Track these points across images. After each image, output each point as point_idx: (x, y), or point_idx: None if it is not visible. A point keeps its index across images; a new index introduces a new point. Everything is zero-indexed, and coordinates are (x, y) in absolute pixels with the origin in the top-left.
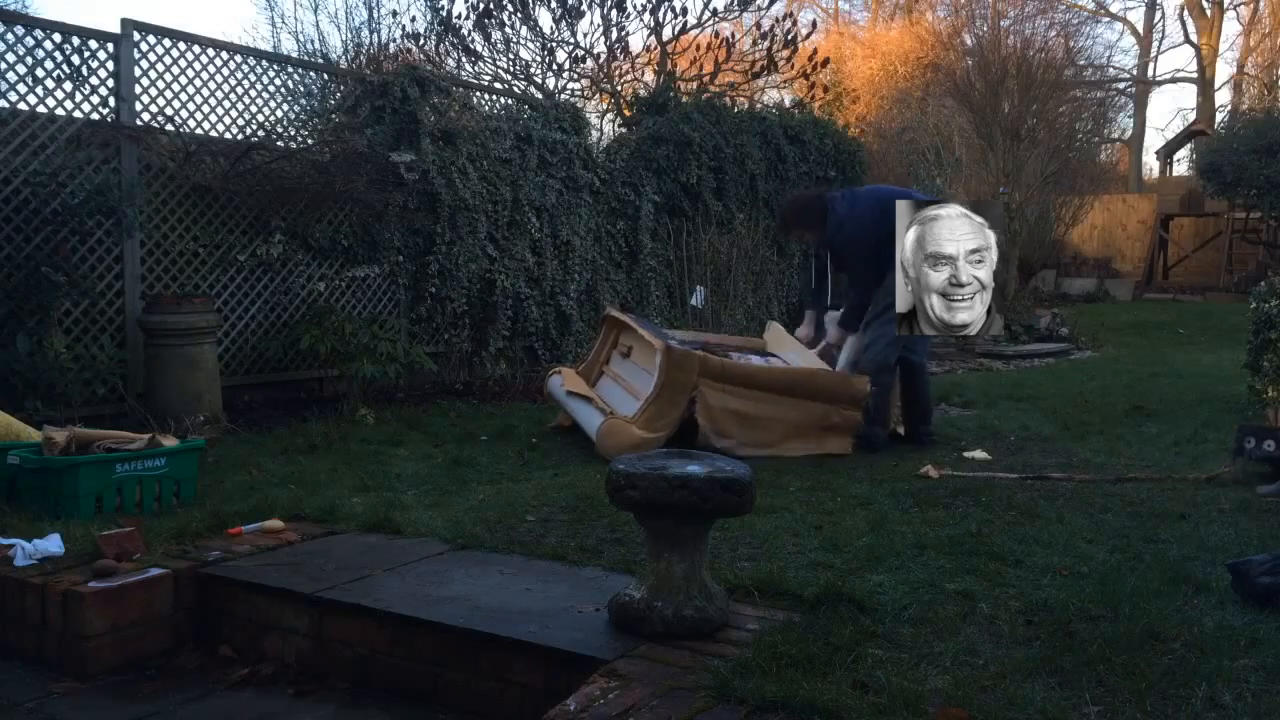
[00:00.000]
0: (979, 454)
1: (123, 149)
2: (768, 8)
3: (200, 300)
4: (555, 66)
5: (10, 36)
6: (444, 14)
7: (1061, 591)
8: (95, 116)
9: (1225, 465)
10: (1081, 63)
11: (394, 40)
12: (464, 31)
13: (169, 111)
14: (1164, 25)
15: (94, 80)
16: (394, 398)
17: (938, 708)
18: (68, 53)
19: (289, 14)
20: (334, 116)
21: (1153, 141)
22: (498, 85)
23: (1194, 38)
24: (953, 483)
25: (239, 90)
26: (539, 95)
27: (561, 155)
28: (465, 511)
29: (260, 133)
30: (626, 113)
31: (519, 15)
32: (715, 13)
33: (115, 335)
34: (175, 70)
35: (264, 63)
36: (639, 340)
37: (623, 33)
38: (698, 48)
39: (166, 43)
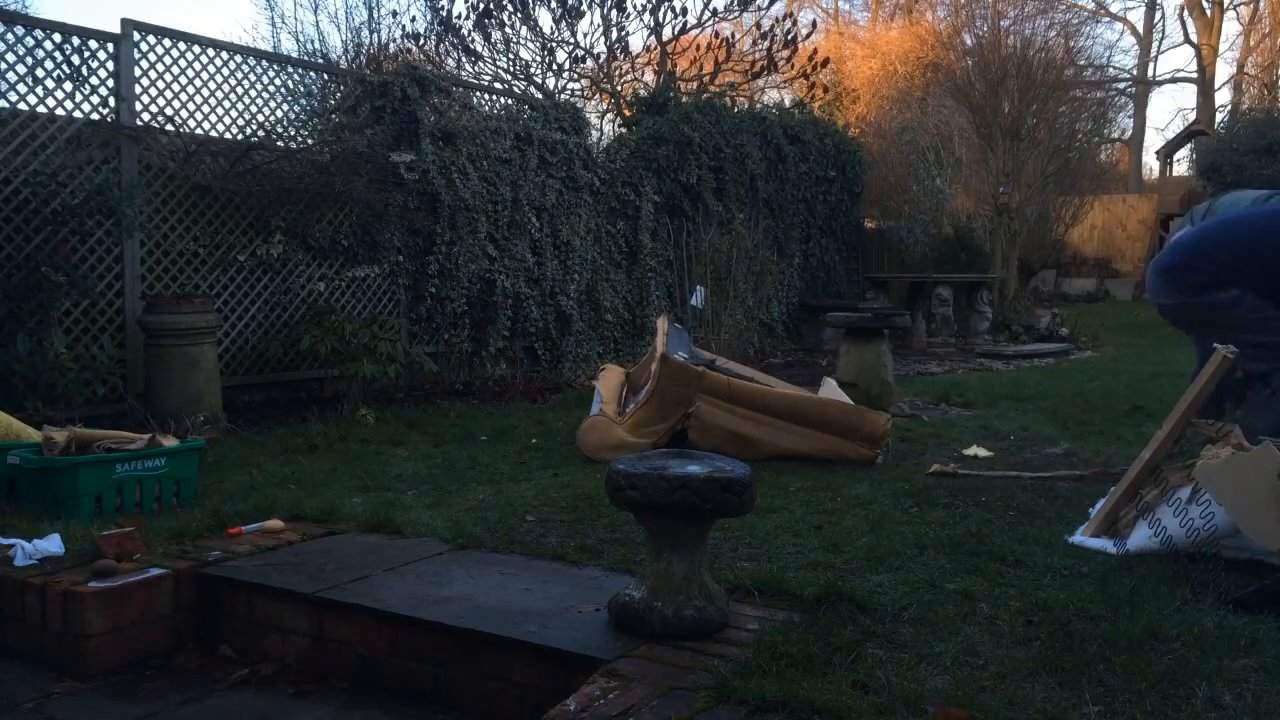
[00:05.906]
0: (979, 453)
1: (122, 149)
2: (768, 8)
3: (200, 300)
4: (555, 66)
5: (10, 36)
6: (444, 14)
7: (1061, 591)
8: (95, 117)
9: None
10: (1081, 63)
11: (394, 40)
12: (464, 31)
13: (169, 111)
14: (1164, 25)
15: (94, 80)
16: (394, 398)
17: (938, 708)
18: (68, 53)
19: (289, 14)
20: (334, 116)
21: (1153, 141)
22: (498, 85)
23: (1194, 38)
24: (953, 483)
25: (239, 90)
26: (539, 95)
27: (561, 155)
28: (465, 511)
29: (260, 133)
30: (626, 113)
31: (519, 15)
32: (715, 13)
33: (115, 335)
34: (175, 70)
35: (264, 63)
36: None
37: (623, 33)
38: (698, 48)
39: (166, 43)
